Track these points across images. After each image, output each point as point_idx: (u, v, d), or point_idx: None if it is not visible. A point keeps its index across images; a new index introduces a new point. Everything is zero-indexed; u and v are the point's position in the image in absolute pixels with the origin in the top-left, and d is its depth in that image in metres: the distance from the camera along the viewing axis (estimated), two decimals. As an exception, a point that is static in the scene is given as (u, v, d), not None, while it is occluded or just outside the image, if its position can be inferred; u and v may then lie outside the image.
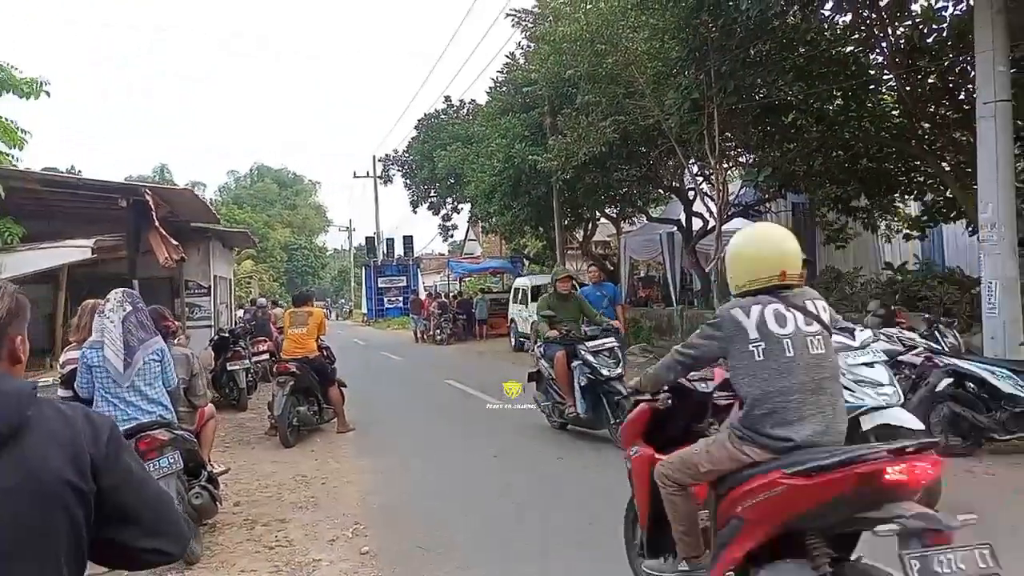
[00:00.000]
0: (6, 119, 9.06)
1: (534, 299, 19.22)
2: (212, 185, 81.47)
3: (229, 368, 11.42)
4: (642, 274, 24.90)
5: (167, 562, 1.64)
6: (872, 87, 12.32)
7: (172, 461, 4.84)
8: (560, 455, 7.50)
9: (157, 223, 8.88)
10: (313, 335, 9.30)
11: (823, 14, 10.72)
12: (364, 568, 4.72)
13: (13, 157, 9.40)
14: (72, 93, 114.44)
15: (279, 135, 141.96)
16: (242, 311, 20.72)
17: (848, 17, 11.32)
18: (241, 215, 48.51)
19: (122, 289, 5.12)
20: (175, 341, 6.03)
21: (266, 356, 13.06)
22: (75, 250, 8.36)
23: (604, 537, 4.96)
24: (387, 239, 42.66)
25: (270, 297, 26.54)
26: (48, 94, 9.14)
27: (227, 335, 12.23)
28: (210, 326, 13.38)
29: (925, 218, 12.89)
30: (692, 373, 3.52)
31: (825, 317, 2.99)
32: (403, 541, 5.20)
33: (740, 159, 16.39)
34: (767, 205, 17.66)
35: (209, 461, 5.85)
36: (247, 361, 11.67)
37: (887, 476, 2.45)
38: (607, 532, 5.05)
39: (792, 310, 2.92)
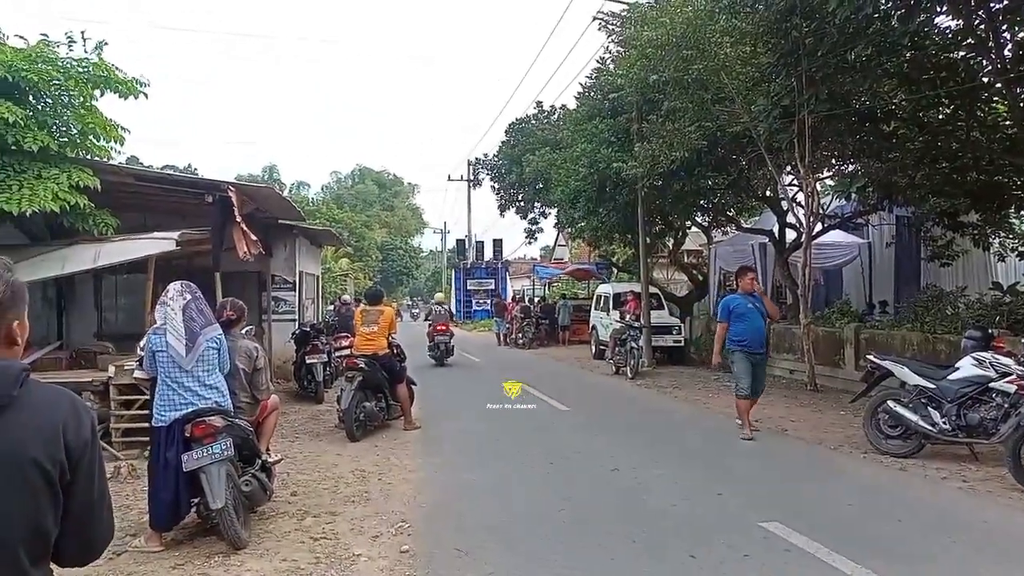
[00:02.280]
0: (108, 118, 9.68)
1: (616, 307, 18.98)
2: (316, 185, 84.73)
3: (308, 361, 11.80)
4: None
5: (67, 565, 1.64)
6: (983, 95, 11.46)
7: (224, 448, 5.01)
8: (616, 467, 7.31)
9: (239, 218, 9.25)
10: (384, 333, 9.47)
11: (926, 17, 10.03)
12: (400, 566, 4.72)
13: (114, 150, 10.01)
14: (194, 95, 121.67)
15: (382, 138, 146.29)
16: (331, 307, 21.41)
17: (957, 21, 10.58)
18: (340, 215, 50.15)
19: (180, 281, 5.36)
20: (242, 332, 6.22)
21: (347, 351, 13.38)
22: (161, 242, 8.80)
23: (642, 558, 4.80)
24: (477, 242, 43.14)
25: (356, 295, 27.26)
26: (146, 95, 9.71)
27: (308, 330, 12.61)
28: (294, 320, 13.84)
29: (1041, 236, 11.89)
30: None
31: None
32: (444, 543, 5.17)
33: (835, 169, 15.62)
34: (866, 218, 16.75)
35: (267, 450, 6.03)
36: (325, 355, 12.01)
37: None
38: (648, 552, 4.89)
39: None
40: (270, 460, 5.89)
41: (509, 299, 33.57)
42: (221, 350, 5.27)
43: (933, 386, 7.53)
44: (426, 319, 27.32)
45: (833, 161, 15.20)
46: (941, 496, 6.27)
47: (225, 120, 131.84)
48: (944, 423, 7.36)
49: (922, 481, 6.82)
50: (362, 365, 9.06)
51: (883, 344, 11.95)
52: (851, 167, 14.59)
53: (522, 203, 28.72)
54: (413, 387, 10.13)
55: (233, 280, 12.49)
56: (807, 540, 4.92)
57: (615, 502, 6.16)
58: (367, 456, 7.97)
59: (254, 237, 9.63)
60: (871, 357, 8.68)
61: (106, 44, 9.42)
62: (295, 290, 14.05)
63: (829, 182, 16.38)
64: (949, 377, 7.53)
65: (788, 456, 7.97)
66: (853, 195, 13.85)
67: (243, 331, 6.46)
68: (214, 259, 10.02)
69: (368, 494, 6.45)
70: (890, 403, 7.77)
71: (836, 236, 17.64)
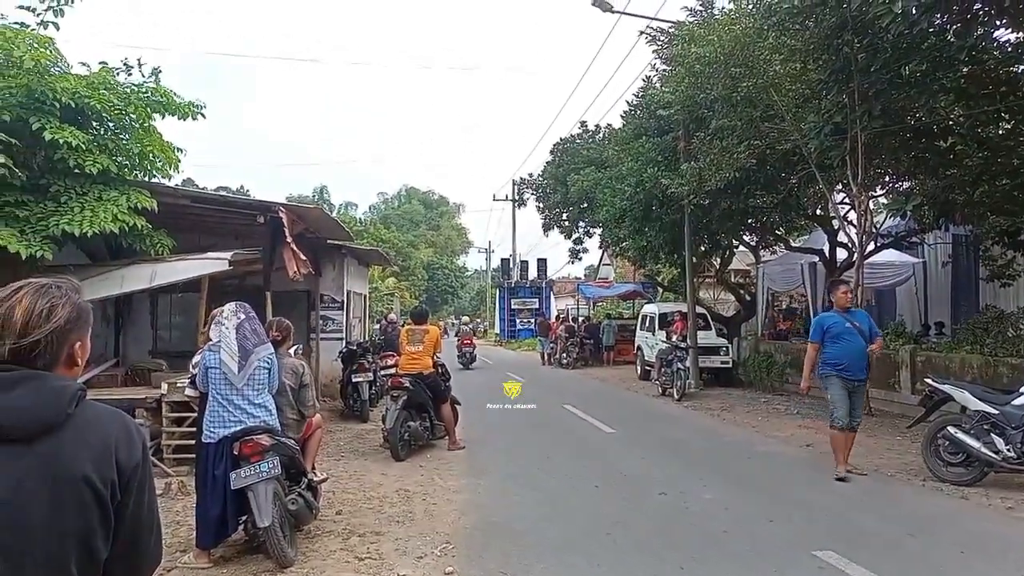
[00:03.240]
0: (167, 141, 9.97)
1: (661, 327, 18.75)
2: (363, 205, 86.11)
3: (354, 380, 11.90)
4: (784, 306, 23.66)
5: None
6: (1047, 110, 11.05)
7: (272, 466, 5.05)
8: (664, 491, 7.17)
9: (289, 239, 9.42)
10: (429, 352, 9.50)
11: (984, 31, 9.73)
12: (444, 589, 4.68)
13: (171, 172, 10.29)
14: (247, 118, 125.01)
15: (428, 159, 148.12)
16: (378, 326, 21.61)
17: (1017, 34, 10.25)
18: (388, 235, 50.72)
19: (235, 302, 5.46)
20: (290, 351, 6.31)
21: (393, 370, 13.48)
22: (215, 262, 9.01)
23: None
24: (522, 261, 43.22)
25: (402, 314, 27.49)
26: (204, 116, 9.99)
27: (355, 348, 12.73)
28: (341, 339, 14.00)
29: (1109, 256, 11.37)
30: None
31: None
32: (487, 565, 5.13)
33: (888, 187, 15.22)
34: (921, 236, 16.28)
35: (312, 469, 6.07)
36: (371, 374, 12.10)
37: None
38: (694, 578, 4.76)
39: None
40: (316, 479, 5.93)
41: (553, 318, 33.45)
42: (272, 369, 5.34)
43: (996, 411, 7.23)
44: (455, 335, 33.52)
45: (887, 179, 14.81)
46: (1006, 527, 5.99)
47: (276, 141, 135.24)
48: (1008, 450, 7.05)
49: (986, 511, 6.54)
50: (407, 384, 9.09)
51: (941, 367, 11.55)
52: (906, 184, 14.21)
53: (567, 222, 28.64)
54: (457, 407, 10.13)
55: (283, 299, 12.70)
56: (865, 571, 4.74)
57: (663, 527, 6.04)
58: (411, 476, 7.98)
59: (304, 257, 9.79)
60: (929, 381, 8.38)
61: (160, 71, 9.73)
62: (343, 309, 14.22)
63: (883, 200, 15.98)
64: (1013, 402, 7.22)
65: (843, 483, 7.71)
66: (908, 213, 13.47)
67: (292, 350, 6.54)
68: (265, 279, 10.22)
69: (412, 514, 6.44)
70: (950, 429, 7.48)
71: (890, 255, 17.19)
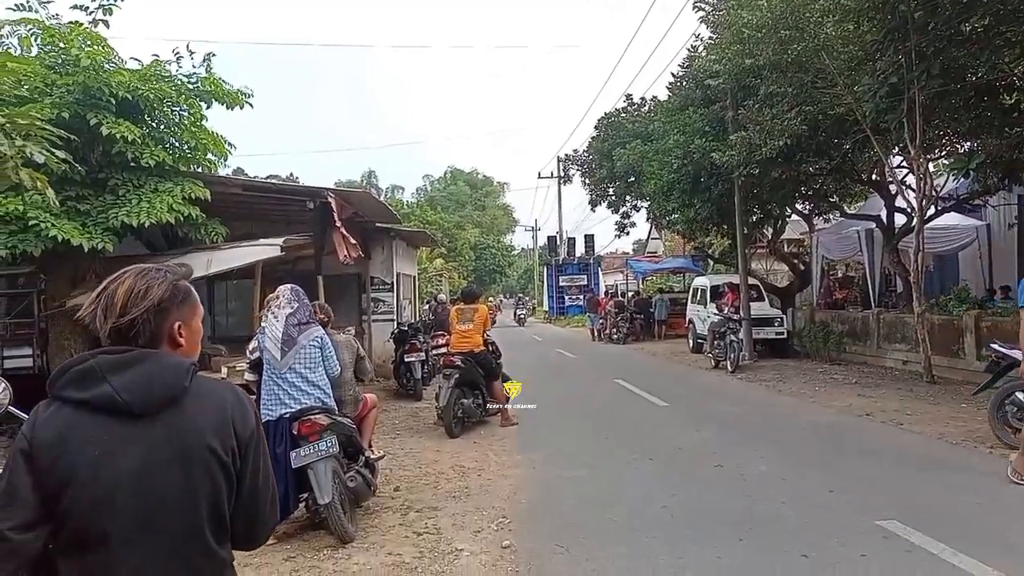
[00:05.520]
0: (217, 133, 10.18)
1: (713, 299, 18.49)
2: (410, 188, 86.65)
3: (406, 360, 12.05)
4: (839, 274, 23.09)
5: (237, 548, 1.73)
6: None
7: (330, 445, 5.17)
8: (720, 463, 7.11)
9: (339, 223, 9.55)
10: (479, 330, 9.55)
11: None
12: (502, 562, 4.75)
13: (221, 164, 10.53)
14: (296, 105, 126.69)
15: (472, 139, 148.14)
16: (427, 306, 21.83)
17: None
18: (434, 216, 50.95)
19: (290, 286, 5.57)
20: (344, 331, 6.43)
21: (444, 349, 13.61)
22: (267, 248, 9.19)
23: (751, 557, 4.65)
24: (569, 238, 43.00)
25: (451, 294, 27.69)
26: (251, 105, 10.15)
27: (406, 329, 12.89)
28: (392, 320, 14.18)
29: None
30: None
31: None
32: (544, 538, 5.17)
33: (948, 148, 14.64)
34: (985, 198, 15.65)
35: (369, 447, 6.19)
36: (423, 354, 12.24)
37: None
38: (757, 551, 4.73)
39: None
40: (373, 456, 6.05)
41: (602, 294, 33.28)
42: (324, 348, 5.44)
43: (1068, 376, 6.94)
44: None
45: (946, 140, 14.25)
46: (1081, 495, 5.77)
47: (325, 129, 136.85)
48: (1082, 416, 6.79)
49: (1058, 479, 6.30)
50: (458, 363, 9.18)
51: (1008, 332, 11.12)
52: (967, 145, 13.66)
53: (613, 197, 28.34)
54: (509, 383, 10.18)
55: (334, 283, 12.91)
56: (930, 540, 4.63)
57: (720, 499, 5.99)
58: (466, 452, 8.07)
59: (353, 241, 9.93)
60: (995, 346, 8.10)
61: (214, 56, 9.88)
62: (393, 291, 14.40)
63: (943, 162, 15.38)
64: (1087, 366, 6.92)
65: (905, 452, 7.52)
66: (971, 173, 12.95)
67: (346, 331, 6.69)
68: (316, 263, 10.39)
69: (468, 489, 6.53)
70: (1019, 395, 7.23)
71: (951, 219, 16.60)
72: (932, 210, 13.98)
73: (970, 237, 17.11)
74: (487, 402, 9.57)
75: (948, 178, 14.58)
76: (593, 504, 5.98)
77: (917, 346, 12.69)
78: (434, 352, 12.98)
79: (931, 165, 13.77)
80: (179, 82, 9.75)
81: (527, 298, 48.44)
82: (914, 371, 12.98)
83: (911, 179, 13.58)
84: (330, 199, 9.57)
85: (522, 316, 40.69)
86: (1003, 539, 4.71)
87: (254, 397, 6.73)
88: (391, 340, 13.09)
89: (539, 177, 44.85)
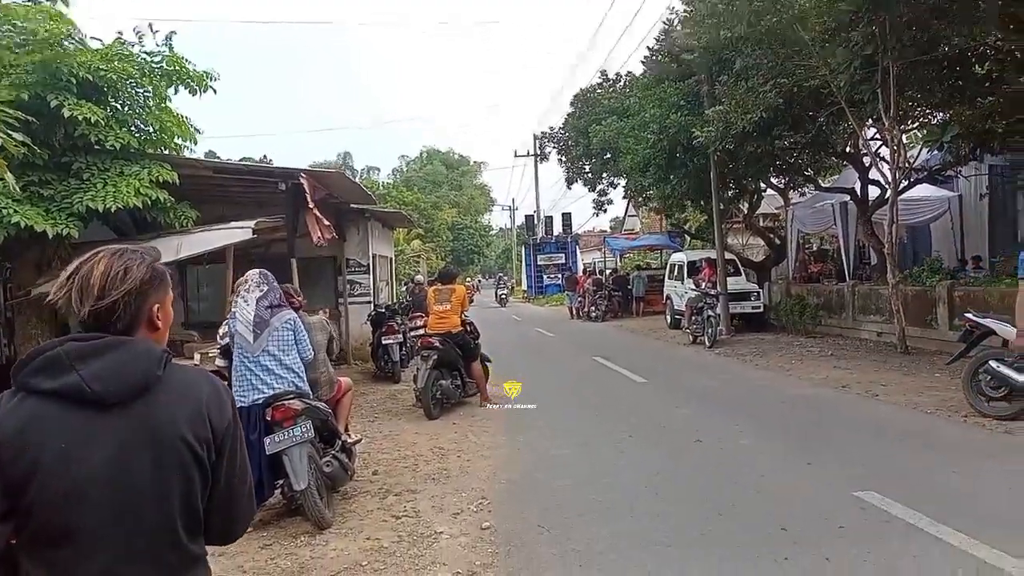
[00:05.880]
0: (182, 115, 9.95)
1: (690, 275, 18.54)
2: (385, 169, 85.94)
3: (384, 342, 11.95)
4: (814, 248, 23.25)
5: (212, 543, 1.68)
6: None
7: (305, 430, 5.08)
8: (699, 439, 7.12)
9: (311, 204, 9.38)
10: (457, 311, 9.48)
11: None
12: (482, 544, 4.70)
13: (188, 148, 10.29)
14: (270, 87, 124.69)
15: (448, 119, 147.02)
16: (405, 288, 21.69)
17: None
18: (410, 196, 50.53)
19: (258, 270, 5.45)
20: (306, 316, 6.31)
21: (422, 331, 13.52)
22: (238, 231, 9.02)
23: (732, 531, 4.64)
24: (546, 217, 42.93)
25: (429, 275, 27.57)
26: (215, 90, 9.90)
27: (383, 311, 12.77)
28: (369, 302, 14.05)
29: None
30: None
31: None
32: (524, 519, 5.14)
33: (922, 119, 14.71)
34: (958, 169, 15.77)
35: (345, 431, 6.11)
36: (401, 336, 12.15)
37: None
38: (736, 526, 4.73)
39: None
40: (349, 440, 5.97)
41: (580, 272, 33.29)
42: (297, 331, 5.34)
43: (1041, 344, 7.02)
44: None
45: (919, 111, 14.30)
46: (1054, 461, 5.84)
47: (299, 110, 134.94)
48: (1054, 383, 6.87)
49: (1032, 446, 6.39)
50: (436, 344, 9.10)
51: (980, 302, 11.25)
52: (940, 116, 13.71)
53: (590, 175, 28.26)
54: (488, 364, 10.13)
55: (309, 265, 12.75)
56: (908, 510, 4.66)
57: (700, 475, 6.00)
58: (445, 434, 8.02)
59: (327, 222, 9.76)
60: (969, 316, 8.18)
61: (175, 34, 9.63)
62: (369, 273, 14.25)
63: (916, 133, 15.46)
64: (1059, 334, 6.99)
65: (881, 423, 7.59)
66: (944, 145, 13.03)
67: (321, 311, 6.59)
68: (289, 246, 10.22)
69: (448, 471, 6.48)
70: (993, 363, 7.29)
71: (923, 191, 16.68)
72: (905, 182, 14.05)
73: (942, 208, 17.25)
74: (466, 383, 9.51)
75: (921, 150, 14.64)
76: (574, 483, 5.95)
77: (891, 317, 12.81)
78: (412, 334, 12.90)
79: (904, 137, 13.82)
80: (142, 61, 9.48)
81: (507, 278, 48.08)
82: (888, 342, 13.11)
83: (885, 151, 13.61)
84: (302, 180, 9.38)
85: (504, 296, 39.83)
86: (983, 509, 4.75)
87: (225, 383, 6.59)
88: (368, 322, 12.97)
89: (515, 156, 44.55)
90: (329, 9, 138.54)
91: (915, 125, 15.14)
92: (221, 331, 6.21)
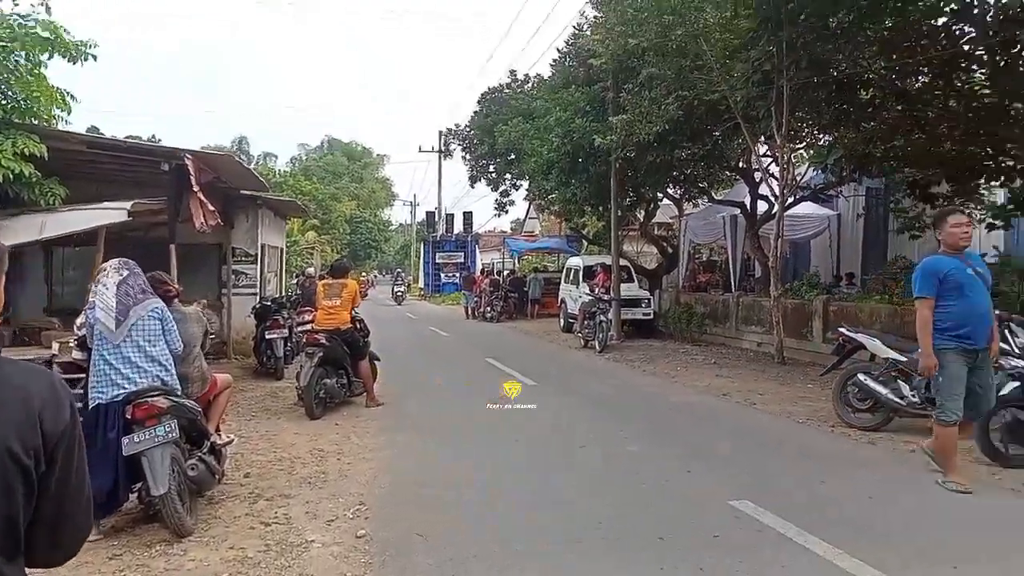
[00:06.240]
0: (57, 87, 9.19)
1: (585, 279, 18.78)
2: (284, 156, 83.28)
3: (268, 336, 11.43)
4: (704, 258, 24.11)
5: (39, 565, 1.43)
6: (962, 63, 11.29)
7: (169, 430, 4.70)
8: (584, 444, 7.13)
9: (196, 188, 8.82)
10: (347, 307, 9.16)
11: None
12: (355, 553, 4.47)
13: (61, 119, 9.52)
14: (153, 65, 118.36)
15: (352, 110, 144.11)
16: (295, 281, 20.97)
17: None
18: (308, 186, 49.11)
19: (118, 259, 5.08)
20: (181, 306, 5.90)
21: (309, 326, 13.06)
22: (111, 212, 8.38)
23: (611, 540, 4.62)
24: (447, 215, 42.59)
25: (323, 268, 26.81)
26: (95, 57, 9.19)
27: (269, 304, 12.24)
28: (255, 294, 13.42)
29: (1011, 207, 11.83)
30: None
31: None
32: (403, 526, 4.93)
33: (810, 139, 15.48)
34: (838, 189, 16.69)
35: (217, 431, 5.73)
36: (286, 330, 11.66)
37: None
38: (616, 534, 4.71)
39: None
40: (220, 441, 5.58)
41: (478, 272, 33.24)
42: (165, 321, 4.95)
43: (904, 359, 7.43)
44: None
45: (807, 132, 15.04)
46: (910, 470, 6.16)
47: (197, 92, 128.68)
48: (913, 396, 7.29)
49: (891, 455, 6.75)
50: (323, 340, 8.75)
51: (852, 316, 11.90)
52: (826, 138, 14.45)
53: (493, 174, 28.28)
54: (377, 363, 9.86)
55: (191, 252, 12.06)
56: (779, 520, 4.77)
57: (582, 481, 5.98)
58: (327, 435, 7.70)
59: (212, 208, 9.21)
60: (842, 330, 8.58)
61: None
62: (257, 263, 13.62)
63: (803, 153, 16.25)
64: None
65: (757, 431, 7.85)
66: (829, 165, 13.74)
67: (197, 303, 6.19)
68: (170, 231, 9.60)
69: (326, 475, 6.19)
70: (860, 376, 7.68)
71: (807, 208, 17.59)
72: (792, 199, 14.72)
73: (823, 226, 18.24)
74: (352, 382, 9.20)
75: (807, 169, 15.37)
76: (457, 490, 5.80)
77: (771, 329, 13.36)
78: (299, 329, 12.42)
79: (793, 155, 14.48)
80: (12, 23, 8.70)
81: (405, 275, 47.20)
82: (767, 352, 13.68)
83: (775, 168, 14.22)
84: (187, 161, 8.80)
85: (400, 293, 38.59)
86: (847, 519, 4.92)
87: (83, 376, 6.11)
88: (252, 315, 12.39)
89: (420, 151, 44.10)
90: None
91: (803, 145, 15.90)
92: (79, 321, 5.69)
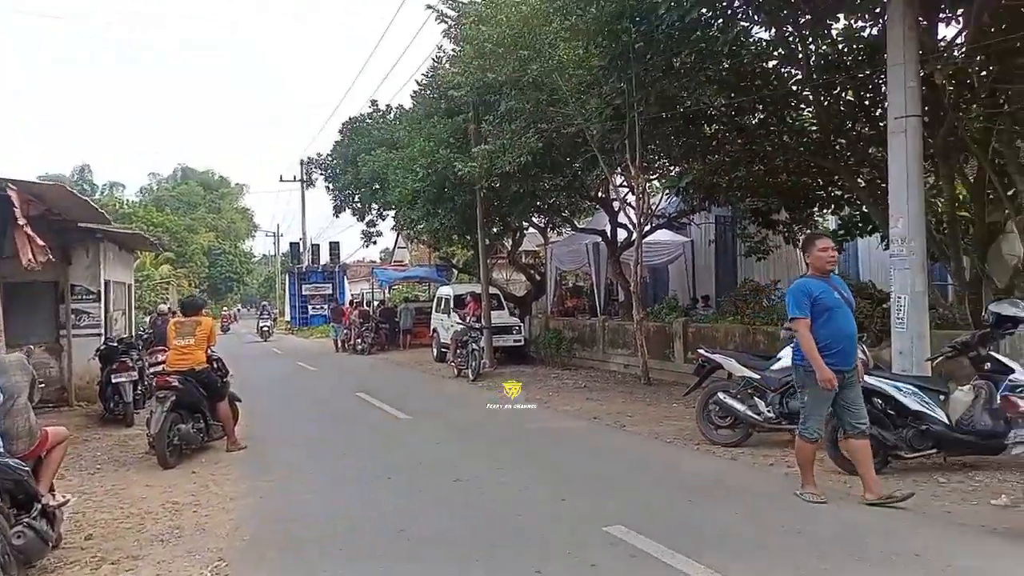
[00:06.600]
0: None
1: (456, 308, 18.75)
2: (133, 186, 78.53)
3: (115, 380, 10.56)
4: (570, 284, 24.74)
5: None
6: (792, 102, 12.31)
7: (-13, 495, 4.17)
8: (458, 477, 7.01)
9: (22, 221, 8.03)
10: (202, 346, 8.63)
11: (743, 27, 10.58)
12: (212, 616, 4.13)
13: None
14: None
15: (206, 137, 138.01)
16: (148, 318, 19.61)
17: (771, 32, 11.24)
18: (160, 218, 46.46)
19: None
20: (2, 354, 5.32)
21: (162, 367, 12.21)
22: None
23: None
24: (313, 245, 41.49)
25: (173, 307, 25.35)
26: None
27: (116, 344, 11.34)
28: (100, 334, 12.38)
29: (842, 232, 12.94)
30: None
31: None
32: (266, 580, 4.62)
33: (662, 171, 16.32)
34: (691, 217, 17.66)
35: (51, 491, 5.16)
36: (136, 373, 10.84)
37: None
38: (489, 571, 4.62)
39: None
40: (53, 503, 5.02)
41: (347, 303, 32.48)
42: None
43: (758, 376, 7.88)
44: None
45: (660, 163, 15.83)
46: (770, 484, 6.49)
47: (26, 117, 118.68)
48: (769, 411, 7.72)
49: (751, 470, 7.08)
50: (175, 383, 8.16)
51: (709, 337, 12.54)
52: (677, 169, 15.27)
53: (359, 204, 27.81)
54: (237, 404, 9.32)
55: (21, 292, 11.04)
56: (649, 542, 4.85)
57: (457, 517, 5.85)
58: (182, 485, 7.14)
59: (41, 243, 8.41)
60: (702, 351, 8.99)
61: None
62: (99, 301, 12.59)
63: (656, 183, 17.07)
64: (772, 367, 7.91)
65: (627, 453, 8.04)
66: (682, 192, 14.49)
67: (22, 349, 5.58)
68: (-8, 267, 8.67)
69: (180, 530, 5.71)
70: (720, 395, 8.05)
71: (663, 235, 18.49)
72: (648, 226, 15.40)
73: (678, 252, 19.22)
74: (211, 426, 8.64)
75: (662, 197, 16.14)
76: (325, 534, 5.51)
77: (636, 351, 13.82)
78: (152, 370, 11.56)
79: (648, 185, 15.18)
80: None
81: (272, 308, 45.19)
82: (634, 374, 14.12)
83: (632, 198, 14.84)
84: (10, 192, 8.01)
85: (267, 328, 36.27)
86: (712, 536, 5.08)
87: None
88: (97, 358, 11.41)
89: (281, 180, 42.75)
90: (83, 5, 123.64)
91: (655, 176, 16.72)
92: None
